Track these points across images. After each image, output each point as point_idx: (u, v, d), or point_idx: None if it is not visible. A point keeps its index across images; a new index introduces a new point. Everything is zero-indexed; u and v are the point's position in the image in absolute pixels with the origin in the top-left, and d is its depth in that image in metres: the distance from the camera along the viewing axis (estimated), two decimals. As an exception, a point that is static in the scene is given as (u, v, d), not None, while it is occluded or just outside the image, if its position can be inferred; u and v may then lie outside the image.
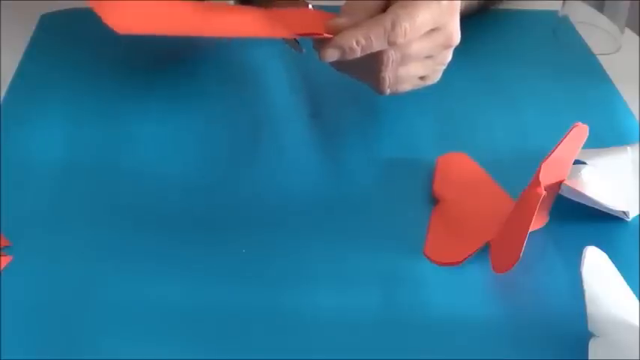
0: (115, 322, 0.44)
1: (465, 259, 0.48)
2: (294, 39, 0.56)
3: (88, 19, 0.70)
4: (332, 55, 0.50)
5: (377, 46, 0.50)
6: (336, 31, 0.50)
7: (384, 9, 0.51)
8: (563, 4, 0.73)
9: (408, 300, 0.46)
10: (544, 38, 0.72)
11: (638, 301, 0.43)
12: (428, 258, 0.49)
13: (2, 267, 0.47)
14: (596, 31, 0.72)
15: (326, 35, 0.50)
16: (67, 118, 0.60)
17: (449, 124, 0.61)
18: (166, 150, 0.57)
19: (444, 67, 0.57)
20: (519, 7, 0.76)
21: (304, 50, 0.57)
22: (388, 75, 0.53)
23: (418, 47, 0.53)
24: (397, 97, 0.58)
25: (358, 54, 0.50)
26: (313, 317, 0.45)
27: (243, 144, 0.58)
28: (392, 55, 0.52)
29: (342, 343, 0.43)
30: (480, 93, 0.64)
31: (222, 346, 0.43)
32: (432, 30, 0.52)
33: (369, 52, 0.50)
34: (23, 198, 0.52)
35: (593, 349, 0.41)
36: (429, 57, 0.55)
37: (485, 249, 0.49)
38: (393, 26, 0.49)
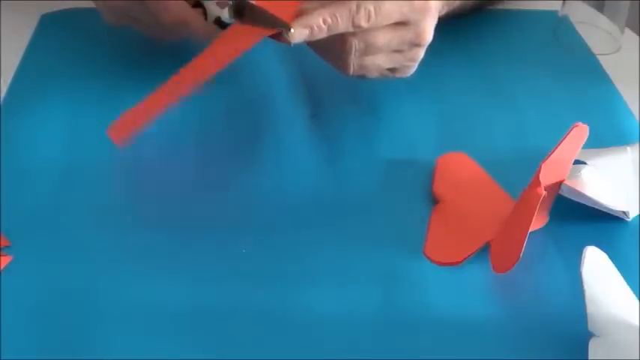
0: (114, 322, 0.44)
1: (465, 259, 0.48)
2: (279, 32, 0.56)
3: (88, 19, 0.70)
4: (301, 34, 0.50)
5: (342, 26, 0.50)
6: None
7: None
8: (563, 4, 0.73)
9: (408, 300, 0.46)
10: (544, 38, 0.72)
11: (638, 301, 0.43)
12: (428, 258, 0.49)
13: (2, 267, 0.47)
14: (596, 31, 0.72)
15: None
16: (67, 117, 0.60)
17: (449, 124, 0.61)
18: (166, 150, 0.56)
19: (416, 64, 0.57)
20: (519, 7, 0.77)
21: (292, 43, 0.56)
22: (352, 62, 0.54)
23: (384, 39, 0.53)
24: (397, 97, 0.58)
25: (325, 33, 0.50)
26: (313, 317, 0.45)
27: (243, 143, 0.58)
28: (356, 44, 0.52)
29: (342, 343, 0.43)
30: (479, 93, 0.64)
31: (221, 346, 0.43)
32: (401, 24, 0.53)
33: (335, 32, 0.51)
34: (23, 198, 0.52)
35: (593, 349, 0.41)
36: (397, 51, 0.55)
37: (485, 249, 0.49)
38: (358, 8, 0.50)
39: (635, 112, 0.62)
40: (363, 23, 0.51)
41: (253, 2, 0.54)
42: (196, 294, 0.46)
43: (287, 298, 0.46)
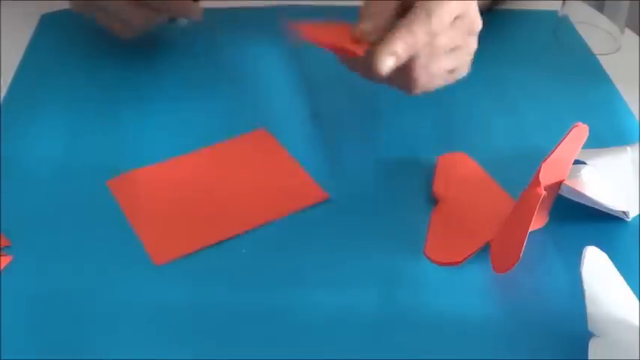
0: (114, 322, 0.44)
1: (465, 259, 0.48)
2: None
3: (88, 19, 0.70)
4: (389, 63, 0.49)
5: (421, 39, 0.50)
6: (365, 38, 0.50)
7: (402, 5, 0.52)
8: (563, 4, 0.73)
9: (408, 300, 0.46)
10: (544, 38, 0.72)
11: (638, 301, 0.43)
12: (428, 258, 0.49)
13: (2, 267, 0.47)
14: (596, 31, 0.72)
15: (353, 49, 0.50)
16: (67, 117, 0.60)
17: (449, 124, 0.61)
18: (166, 150, 0.56)
19: (471, 57, 0.56)
20: (519, 7, 0.77)
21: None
22: (420, 74, 0.53)
23: (446, 38, 0.52)
24: (397, 97, 0.57)
25: (407, 55, 0.50)
26: (313, 317, 0.45)
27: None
28: (422, 52, 0.51)
29: (342, 342, 0.43)
30: (479, 93, 0.64)
31: (221, 346, 0.43)
32: (456, 18, 0.52)
33: (416, 48, 0.50)
34: (23, 198, 0.52)
35: (593, 349, 0.41)
36: (455, 48, 0.54)
37: (485, 249, 0.49)
38: (429, 15, 0.50)
39: (635, 112, 0.62)
40: (439, 28, 0.50)
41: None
42: (196, 294, 0.46)
43: (287, 297, 0.46)
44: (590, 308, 0.42)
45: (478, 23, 0.54)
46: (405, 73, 0.52)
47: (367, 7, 0.52)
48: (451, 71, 0.55)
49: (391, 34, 0.50)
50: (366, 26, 0.51)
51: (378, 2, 0.52)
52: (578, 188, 0.49)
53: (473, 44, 0.55)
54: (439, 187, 0.53)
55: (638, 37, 0.74)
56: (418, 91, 0.54)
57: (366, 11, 0.52)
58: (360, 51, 0.50)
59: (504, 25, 0.74)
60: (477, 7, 0.54)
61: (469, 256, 0.48)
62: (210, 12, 0.73)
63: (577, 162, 0.51)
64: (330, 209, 0.52)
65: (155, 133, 0.58)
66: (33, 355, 0.42)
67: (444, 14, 0.50)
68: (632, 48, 0.72)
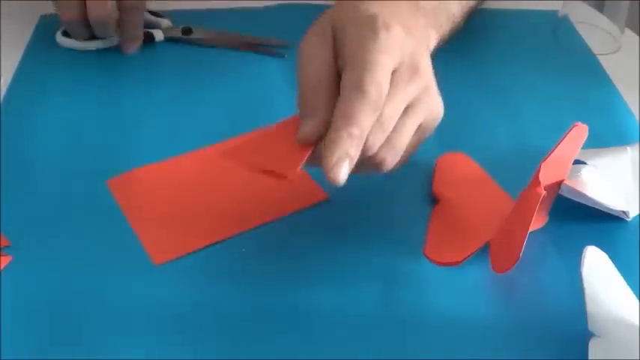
0: (114, 322, 0.44)
1: (465, 259, 0.48)
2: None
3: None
4: (344, 171, 0.42)
5: (366, 123, 0.42)
6: (312, 140, 0.44)
7: (337, 90, 0.44)
8: (563, 4, 0.73)
9: (408, 300, 0.46)
10: (544, 38, 0.72)
11: (638, 301, 0.43)
12: (428, 258, 0.49)
13: (2, 267, 0.47)
14: (596, 31, 0.72)
15: (280, 172, 0.44)
16: (66, 117, 0.60)
17: (449, 124, 0.60)
18: (167, 151, 0.56)
19: (434, 94, 0.47)
20: (519, 7, 0.77)
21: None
22: (384, 154, 0.45)
23: (391, 104, 0.43)
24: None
25: (362, 144, 0.42)
26: (313, 317, 0.45)
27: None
28: (372, 134, 0.43)
29: (342, 342, 0.43)
30: (479, 93, 0.64)
31: (221, 346, 0.43)
32: (394, 72, 0.44)
33: (364, 137, 0.42)
34: (23, 198, 0.52)
35: (593, 348, 0.41)
36: (410, 103, 0.45)
37: (485, 249, 0.49)
38: (362, 88, 0.41)
39: (635, 112, 0.63)
40: (380, 99, 0.42)
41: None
42: (196, 294, 0.46)
43: (287, 297, 0.46)
44: (591, 308, 0.42)
45: (422, 62, 0.45)
46: (367, 160, 0.45)
47: (302, 100, 0.44)
48: (420, 127, 0.47)
49: (332, 134, 0.41)
50: (307, 128, 0.43)
51: (311, 88, 0.44)
52: (578, 188, 0.49)
53: (427, 83, 0.46)
54: (439, 187, 0.53)
55: (638, 37, 0.74)
56: (393, 168, 0.47)
57: (303, 107, 0.44)
58: (290, 172, 0.43)
59: (504, 25, 0.74)
60: (408, 40, 0.45)
61: (469, 256, 0.48)
62: (210, 12, 0.73)
63: (577, 162, 0.51)
64: (330, 209, 0.52)
65: (155, 132, 0.58)
66: (33, 355, 0.42)
67: (379, 79, 0.42)
68: (632, 48, 0.72)
